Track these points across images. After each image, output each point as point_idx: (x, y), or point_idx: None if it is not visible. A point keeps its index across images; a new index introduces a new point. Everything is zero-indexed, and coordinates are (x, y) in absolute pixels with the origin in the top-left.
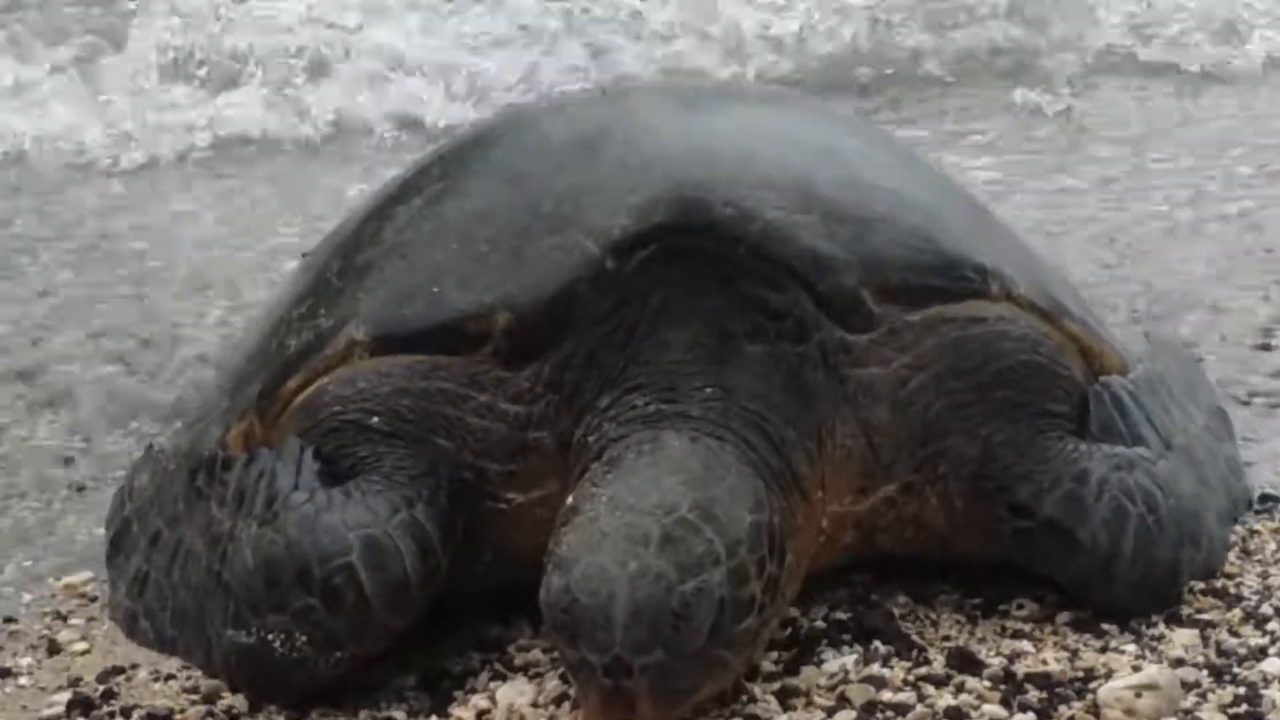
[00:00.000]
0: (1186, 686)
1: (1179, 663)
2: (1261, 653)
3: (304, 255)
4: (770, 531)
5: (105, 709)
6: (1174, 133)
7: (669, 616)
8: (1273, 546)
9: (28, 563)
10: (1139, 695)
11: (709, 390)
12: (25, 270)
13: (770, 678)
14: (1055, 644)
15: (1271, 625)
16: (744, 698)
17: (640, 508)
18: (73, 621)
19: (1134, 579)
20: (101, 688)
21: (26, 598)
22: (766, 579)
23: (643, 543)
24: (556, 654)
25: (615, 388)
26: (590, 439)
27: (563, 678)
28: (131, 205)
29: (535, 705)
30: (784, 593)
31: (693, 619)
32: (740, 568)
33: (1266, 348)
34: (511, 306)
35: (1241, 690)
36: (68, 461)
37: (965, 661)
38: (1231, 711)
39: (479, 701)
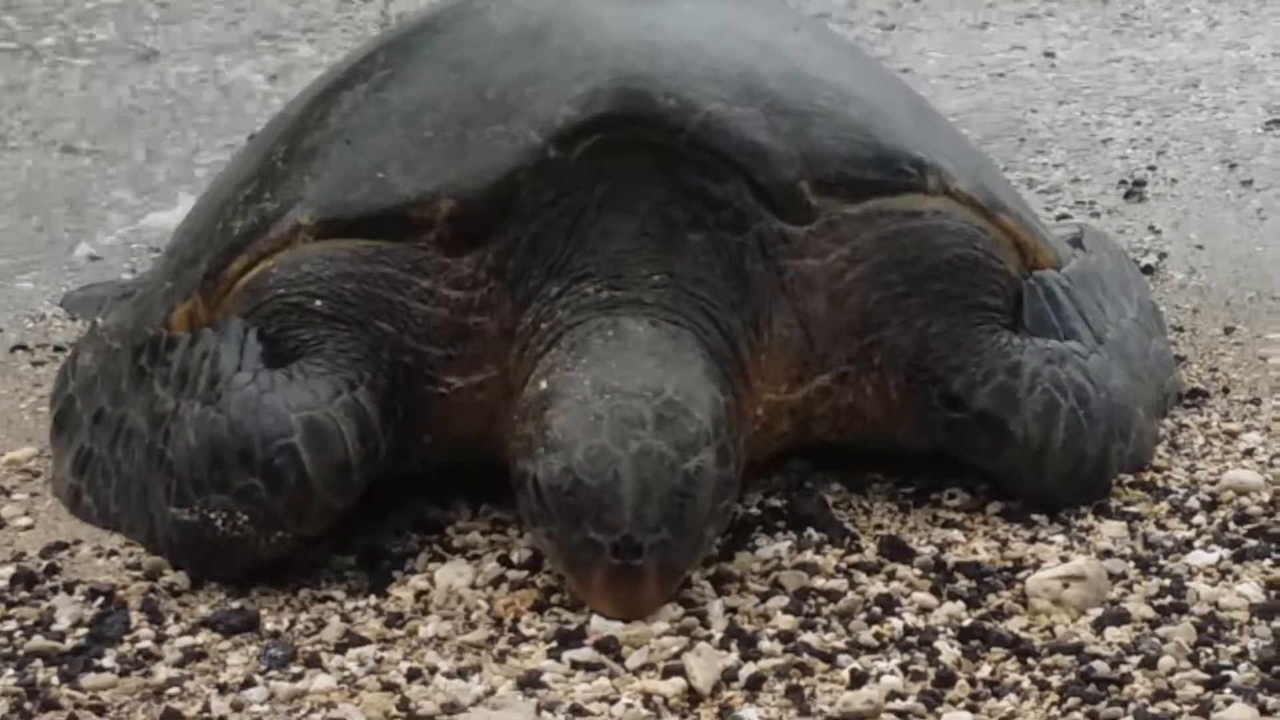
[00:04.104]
0: (1113, 577)
1: (1106, 554)
2: (1187, 545)
3: (250, 137)
4: (734, 414)
5: (48, 583)
6: None
7: (675, 495)
8: (1200, 441)
9: None
10: (1066, 585)
11: (656, 278)
12: None
13: (705, 563)
14: (985, 534)
15: (1197, 519)
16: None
17: (627, 390)
18: (16, 497)
19: (1063, 471)
20: (44, 563)
21: None
22: (737, 460)
23: (639, 423)
24: (543, 538)
25: (563, 276)
26: (543, 325)
27: (501, 560)
28: None
29: (473, 586)
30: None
31: (696, 497)
32: (724, 448)
33: None
34: (455, 193)
35: (1167, 582)
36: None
37: (896, 550)
38: (1156, 603)
39: (417, 582)
